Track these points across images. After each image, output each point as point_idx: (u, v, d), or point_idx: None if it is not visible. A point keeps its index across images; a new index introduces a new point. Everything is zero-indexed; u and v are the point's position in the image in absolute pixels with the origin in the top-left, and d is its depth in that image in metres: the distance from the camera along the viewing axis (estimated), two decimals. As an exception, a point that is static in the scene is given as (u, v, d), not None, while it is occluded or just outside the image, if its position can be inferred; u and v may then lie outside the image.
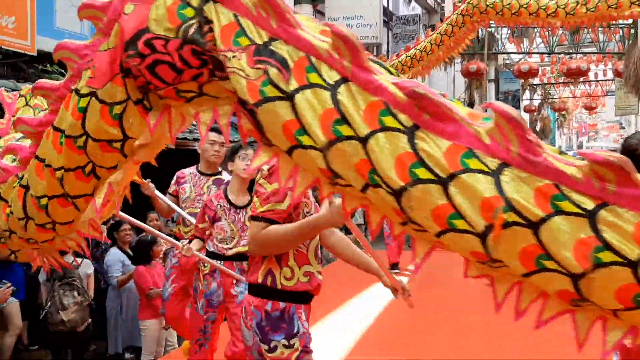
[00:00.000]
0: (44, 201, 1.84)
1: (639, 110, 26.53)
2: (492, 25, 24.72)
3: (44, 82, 1.85)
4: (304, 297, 2.33)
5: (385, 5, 21.67)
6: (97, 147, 1.66)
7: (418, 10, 24.24)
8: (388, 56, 21.87)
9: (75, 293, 4.97)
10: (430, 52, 8.96)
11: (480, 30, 24.80)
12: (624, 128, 48.35)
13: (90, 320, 5.10)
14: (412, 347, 4.64)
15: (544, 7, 7.33)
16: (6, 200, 2.03)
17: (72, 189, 1.78)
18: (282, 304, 2.25)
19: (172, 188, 4.27)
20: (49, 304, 4.93)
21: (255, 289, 2.31)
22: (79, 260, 5.22)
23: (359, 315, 5.53)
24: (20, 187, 1.94)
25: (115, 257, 5.60)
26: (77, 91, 1.67)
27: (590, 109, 37.08)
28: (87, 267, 5.51)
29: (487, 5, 7.81)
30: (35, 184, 1.86)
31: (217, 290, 3.63)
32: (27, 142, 1.96)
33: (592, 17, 7.23)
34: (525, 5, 7.44)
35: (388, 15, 21.96)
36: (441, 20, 21.00)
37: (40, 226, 1.93)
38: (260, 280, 2.26)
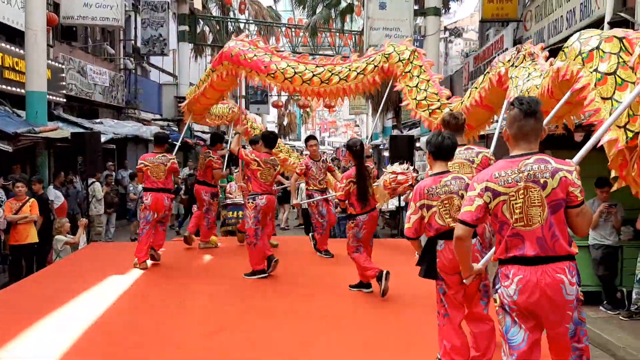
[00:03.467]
0: None
1: (369, 110, 29.72)
2: (241, 20, 25.42)
3: None
4: None
5: (133, -12, 20.68)
6: None
7: (168, -4, 23.61)
8: (136, 42, 20.95)
9: None
10: None
11: (230, 24, 25.29)
12: (358, 126, 53.58)
13: None
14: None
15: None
16: None
17: None
18: None
19: None
20: None
21: None
22: None
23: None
24: None
25: None
26: None
27: (329, 107, 40.32)
28: None
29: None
30: None
31: None
32: None
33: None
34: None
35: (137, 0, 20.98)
36: (191, 12, 20.76)
37: None
38: None
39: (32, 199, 8.47)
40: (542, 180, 2.78)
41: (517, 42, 13.37)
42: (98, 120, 16.52)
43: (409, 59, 7.00)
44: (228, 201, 9.97)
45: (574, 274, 2.78)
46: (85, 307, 5.32)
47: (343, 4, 23.01)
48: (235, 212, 9.52)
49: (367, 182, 5.62)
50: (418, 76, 6.87)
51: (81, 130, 12.98)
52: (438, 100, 6.71)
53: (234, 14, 26.84)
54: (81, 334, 4.56)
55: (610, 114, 3.35)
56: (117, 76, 19.02)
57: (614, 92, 3.46)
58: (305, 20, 23.89)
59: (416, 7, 14.91)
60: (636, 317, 6.94)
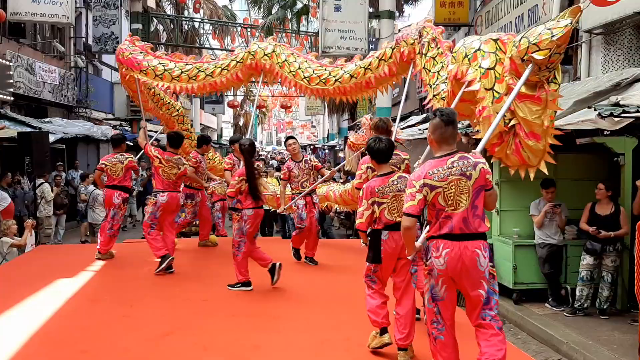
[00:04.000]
0: None
1: (325, 111, 29.85)
2: (196, 19, 25.15)
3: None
4: None
5: (84, -16, 20.20)
6: None
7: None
8: (86, 39, 20.44)
9: None
10: None
11: (184, 23, 24.98)
12: (314, 126, 53.74)
13: None
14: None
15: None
16: None
17: None
18: None
19: None
20: None
21: None
22: None
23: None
24: None
25: None
26: None
27: (286, 108, 40.37)
28: None
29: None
30: None
31: None
32: None
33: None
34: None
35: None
36: (145, 10, 20.44)
37: None
38: None
39: None
40: (468, 173, 3.47)
41: (468, 46, 13.67)
42: (47, 120, 16.08)
43: (273, 51, 7.56)
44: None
45: (486, 250, 3.49)
46: (31, 312, 5.18)
47: (299, 5, 23.04)
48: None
49: (257, 180, 6.03)
50: (295, 61, 7.46)
51: (29, 129, 12.63)
52: (325, 69, 7.33)
53: (189, 13, 26.54)
54: (26, 341, 4.44)
55: (492, 103, 4.22)
56: (68, 74, 18.55)
57: (494, 84, 4.27)
58: (261, 21, 23.77)
59: (371, 10, 15.06)
60: (579, 314, 7.19)
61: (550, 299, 7.66)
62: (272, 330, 4.83)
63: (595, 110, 5.94)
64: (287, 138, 7.76)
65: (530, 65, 3.93)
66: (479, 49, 4.47)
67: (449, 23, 14.33)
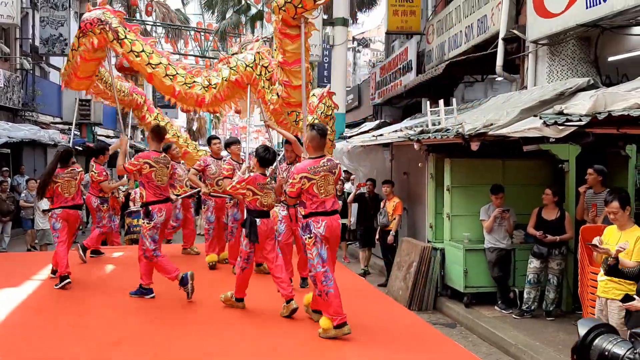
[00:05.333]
0: None
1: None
2: (148, 22, 24.76)
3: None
4: None
5: (31, -16, 19.62)
6: None
7: (69, -5, 22.57)
8: (34, 41, 19.86)
9: None
10: None
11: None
12: (268, 132, 53.49)
13: None
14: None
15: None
16: None
17: None
18: None
19: None
20: None
21: None
22: None
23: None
24: None
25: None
26: None
27: (240, 112, 40.13)
28: None
29: None
30: None
31: None
32: None
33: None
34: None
35: (34, -4, 19.91)
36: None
37: None
38: None
39: None
40: (333, 171, 4.86)
41: (420, 54, 13.94)
42: (-10, 124, 15.52)
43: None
44: (133, 209, 9.68)
45: (339, 220, 4.98)
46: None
47: (253, 10, 22.99)
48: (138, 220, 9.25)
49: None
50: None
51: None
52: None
53: (141, 16, 26.09)
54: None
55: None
56: (13, 76, 17.94)
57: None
58: (215, 25, 23.60)
59: (325, 17, 15.17)
60: (527, 316, 7.39)
61: (499, 302, 7.84)
62: (222, 338, 4.79)
63: (540, 118, 6.14)
64: (212, 137, 8.01)
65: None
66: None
67: (401, 31, 14.58)
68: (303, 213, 4.81)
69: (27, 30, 19.72)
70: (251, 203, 5.30)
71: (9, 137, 14.44)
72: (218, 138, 7.97)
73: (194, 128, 45.76)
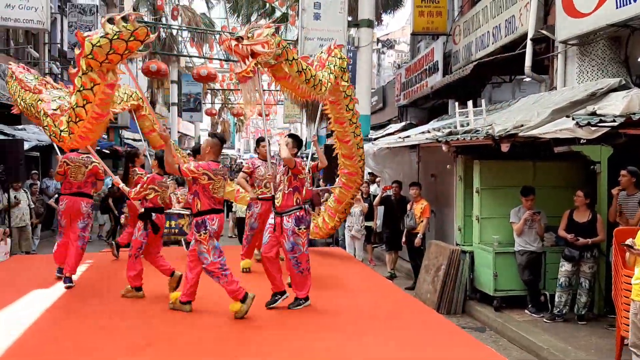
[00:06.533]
0: None
1: (303, 119, 29.82)
2: (174, 27, 25.02)
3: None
4: None
5: (60, -10, 19.98)
6: None
7: (97, 0, 22.92)
8: (62, 46, 20.21)
9: None
10: None
11: (162, 30, 24.82)
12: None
13: None
14: None
15: None
16: None
17: None
18: None
19: None
20: None
21: None
22: None
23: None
24: None
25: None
26: None
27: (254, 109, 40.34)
28: None
29: None
30: None
31: None
32: None
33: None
34: None
35: (63, 1, 20.27)
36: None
37: None
38: None
39: None
40: (224, 175, 5.41)
41: (446, 55, 13.85)
42: (20, 127, 15.79)
43: None
44: (174, 210, 9.75)
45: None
46: (5, 325, 5.05)
47: (278, 14, 23.07)
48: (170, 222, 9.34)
49: None
50: None
51: (2, 137, 12.39)
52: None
53: (167, 20, 26.38)
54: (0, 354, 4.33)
55: None
56: (42, 81, 18.27)
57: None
58: (239, 28, 23.73)
59: (350, 19, 15.15)
60: (558, 320, 7.27)
61: (530, 306, 7.73)
62: (249, 341, 4.79)
63: (573, 119, 6.04)
64: (260, 140, 7.67)
65: None
66: None
67: (427, 32, 14.49)
68: (199, 209, 5.26)
69: (55, 35, 20.08)
70: (152, 200, 5.99)
71: (38, 141, 14.68)
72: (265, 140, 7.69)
73: (218, 131, 46.02)
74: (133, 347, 4.53)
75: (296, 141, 5.75)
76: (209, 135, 5.79)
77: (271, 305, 5.57)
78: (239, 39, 5.08)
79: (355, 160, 7.99)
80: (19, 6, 13.78)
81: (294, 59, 5.59)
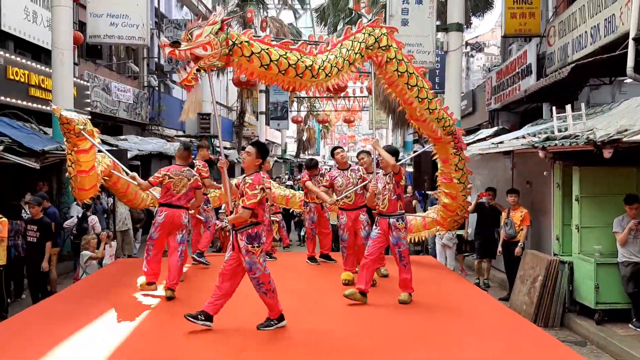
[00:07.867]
0: None
1: (389, 124, 29.69)
2: (259, 37, 25.62)
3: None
4: None
5: (157, 7, 21.03)
6: None
7: (190, 15, 23.98)
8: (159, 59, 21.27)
9: None
10: None
11: (251, 41, 25.53)
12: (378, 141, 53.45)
13: None
14: None
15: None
16: None
17: None
18: None
19: None
20: None
21: None
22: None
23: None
24: None
25: None
26: None
27: (349, 122, 40.53)
28: None
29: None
30: None
31: None
32: None
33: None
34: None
35: (159, 18, 21.33)
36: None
37: None
38: None
39: (3, 219, 8.26)
40: (189, 177, 6.34)
41: (540, 57, 13.35)
42: (122, 137, 16.77)
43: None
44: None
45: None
46: (108, 327, 5.32)
47: (364, 21, 23.14)
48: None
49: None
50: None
51: (106, 147, 13.17)
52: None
53: (256, 32, 27.14)
54: (109, 355, 4.57)
55: None
56: (141, 93, 19.32)
57: None
58: (325, 37, 23.99)
59: (438, 23, 14.94)
60: (668, 336, 6.83)
61: (634, 320, 7.31)
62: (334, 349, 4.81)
63: (685, 122, 5.67)
64: (335, 148, 7.58)
65: None
66: None
67: (520, 34, 14.05)
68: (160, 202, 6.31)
69: (152, 50, 21.19)
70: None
71: (139, 150, 15.52)
72: (341, 147, 7.62)
73: (304, 138, 46.63)
74: (230, 352, 4.68)
75: (260, 151, 5.17)
76: (182, 145, 6.64)
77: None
78: (175, 43, 4.63)
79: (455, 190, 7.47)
80: (122, 24, 14.65)
81: (253, 53, 4.94)
